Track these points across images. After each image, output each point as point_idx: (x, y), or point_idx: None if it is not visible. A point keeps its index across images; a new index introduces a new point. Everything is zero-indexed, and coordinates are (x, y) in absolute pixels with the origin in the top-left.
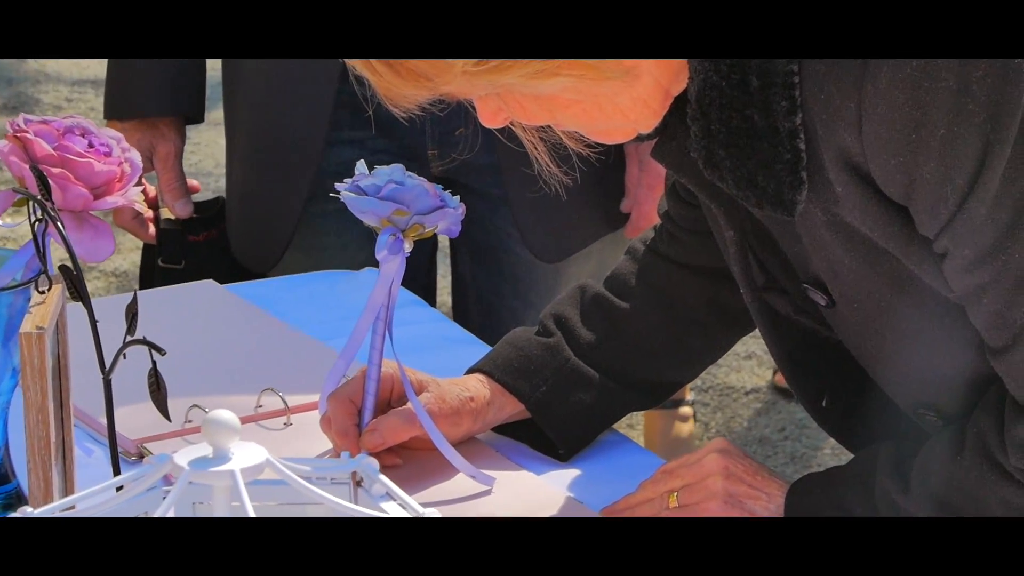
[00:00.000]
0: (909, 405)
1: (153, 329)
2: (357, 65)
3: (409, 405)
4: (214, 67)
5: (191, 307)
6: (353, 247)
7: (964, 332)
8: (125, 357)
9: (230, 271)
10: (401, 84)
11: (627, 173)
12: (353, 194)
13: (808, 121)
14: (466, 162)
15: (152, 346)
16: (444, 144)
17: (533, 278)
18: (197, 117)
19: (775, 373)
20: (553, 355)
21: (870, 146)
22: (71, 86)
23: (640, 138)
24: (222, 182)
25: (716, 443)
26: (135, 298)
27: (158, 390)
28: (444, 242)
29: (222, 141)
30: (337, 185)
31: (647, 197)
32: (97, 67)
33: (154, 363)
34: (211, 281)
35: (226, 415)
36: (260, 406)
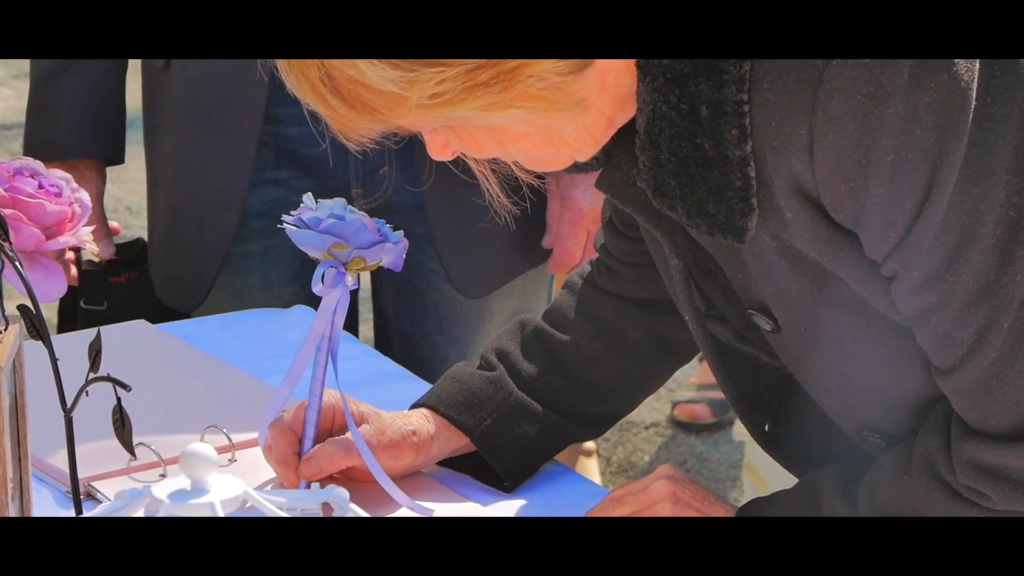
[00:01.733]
0: (853, 428)
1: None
2: (311, 100)
3: (348, 435)
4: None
5: (126, 347)
6: (277, 287)
7: (910, 354)
8: (88, 395)
9: (152, 312)
10: (355, 118)
11: (549, 209)
12: (295, 227)
13: (758, 148)
14: (390, 200)
15: (117, 383)
16: (368, 183)
17: (456, 314)
18: (118, 158)
19: (674, 407)
20: (496, 388)
21: (821, 172)
22: None
23: (576, 167)
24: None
25: (663, 470)
26: (99, 335)
27: (123, 426)
28: (366, 280)
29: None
30: (284, 217)
31: (569, 233)
32: None
33: (119, 400)
34: (143, 321)
35: (204, 448)
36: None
